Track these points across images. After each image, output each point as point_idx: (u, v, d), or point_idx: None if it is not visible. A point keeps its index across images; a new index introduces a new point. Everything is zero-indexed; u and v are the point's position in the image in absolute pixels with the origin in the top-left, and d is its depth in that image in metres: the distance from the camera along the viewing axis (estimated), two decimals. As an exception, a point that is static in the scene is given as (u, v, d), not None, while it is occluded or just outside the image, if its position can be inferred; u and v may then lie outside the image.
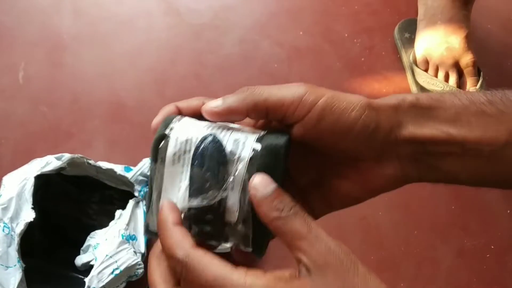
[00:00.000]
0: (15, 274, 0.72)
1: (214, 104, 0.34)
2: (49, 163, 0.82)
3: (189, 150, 0.34)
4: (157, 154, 0.35)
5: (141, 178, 0.91)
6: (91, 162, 0.85)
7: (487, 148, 0.35)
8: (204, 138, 0.33)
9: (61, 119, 1.04)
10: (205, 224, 0.34)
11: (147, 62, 1.09)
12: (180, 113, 0.37)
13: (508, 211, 1.02)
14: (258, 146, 0.33)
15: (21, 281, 0.72)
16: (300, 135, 0.34)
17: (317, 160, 0.38)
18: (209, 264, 0.29)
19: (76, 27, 1.11)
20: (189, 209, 0.33)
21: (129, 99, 1.05)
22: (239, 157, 0.33)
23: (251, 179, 0.32)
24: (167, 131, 0.35)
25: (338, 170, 0.38)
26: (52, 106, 1.04)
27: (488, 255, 0.99)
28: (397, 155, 0.36)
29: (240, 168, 0.33)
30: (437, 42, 1.03)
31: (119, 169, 0.88)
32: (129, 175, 0.88)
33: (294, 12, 1.16)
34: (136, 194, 0.88)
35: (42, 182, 0.83)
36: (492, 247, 0.99)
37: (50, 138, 1.02)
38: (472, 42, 1.03)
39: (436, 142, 0.35)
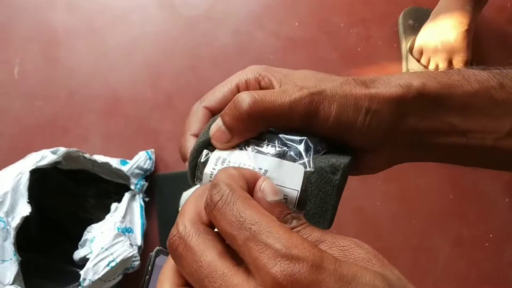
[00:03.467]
0: (11, 268, 0.72)
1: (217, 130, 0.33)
2: (45, 157, 0.82)
3: None
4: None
5: (137, 171, 0.91)
6: (87, 155, 0.85)
7: (490, 137, 0.34)
8: None
9: (57, 114, 1.04)
10: None
11: (142, 55, 1.08)
12: (212, 113, 0.36)
13: (507, 200, 1.01)
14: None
15: (17, 274, 0.72)
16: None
17: None
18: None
19: (70, 22, 1.11)
20: None
21: (125, 92, 1.05)
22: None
23: (259, 181, 0.29)
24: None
25: None
26: (48, 101, 1.04)
27: (486, 244, 0.99)
28: (394, 144, 0.34)
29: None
30: (434, 35, 1.02)
31: (114, 162, 0.88)
32: (125, 168, 0.88)
33: (289, 3, 1.16)
34: (132, 187, 0.88)
35: (38, 176, 0.83)
36: (491, 236, 0.99)
37: (46, 133, 1.02)
38: (470, 39, 1.01)
39: (438, 133, 0.34)
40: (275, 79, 0.35)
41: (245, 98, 0.31)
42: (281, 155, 0.31)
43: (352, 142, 0.34)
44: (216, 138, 0.33)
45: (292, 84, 0.33)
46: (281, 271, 0.23)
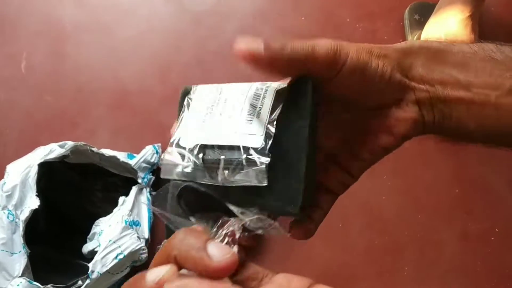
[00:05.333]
0: (20, 260, 0.73)
1: (255, 45, 0.32)
2: (53, 151, 0.82)
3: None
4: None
5: (144, 165, 0.91)
6: (94, 149, 0.86)
7: (493, 94, 0.35)
8: None
9: (65, 108, 1.04)
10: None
11: (150, 49, 1.09)
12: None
13: (513, 194, 1.01)
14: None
15: (26, 266, 0.73)
16: (333, 89, 0.35)
17: (342, 120, 0.39)
18: None
19: (78, 16, 1.11)
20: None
21: (132, 86, 1.06)
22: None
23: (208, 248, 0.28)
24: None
25: (363, 125, 0.38)
26: (56, 95, 1.05)
27: (492, 238, 0.99)
28: (415, 99, 0.36)
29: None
30: (438, 28, 1.02)
31: (122, 156, 0.89)
32: (132, 162, 0.89)
33: (295, -2, 1.16)
34: (139, 181, 0.89)
35: (46, 170, 0.84)
36: (497, 230, 0.99)
37: (54, 127, 1.03)
38: (474, 26, 1.01)
39: (445, 85, 0.36)
40: None
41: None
42: None
43: (373, 97, 0.36)
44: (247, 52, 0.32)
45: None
46: None
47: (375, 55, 0.35)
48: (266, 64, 0.33)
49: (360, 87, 0.35)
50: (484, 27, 1.05)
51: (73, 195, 0.93)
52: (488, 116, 0.36)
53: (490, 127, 0.37)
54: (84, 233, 0.87)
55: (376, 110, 0.37)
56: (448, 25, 1.00)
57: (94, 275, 0.73)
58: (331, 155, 0.39)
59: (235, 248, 0.31)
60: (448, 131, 0.38)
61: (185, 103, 0.37)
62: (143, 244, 0.80)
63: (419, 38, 1.07)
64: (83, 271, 0.79)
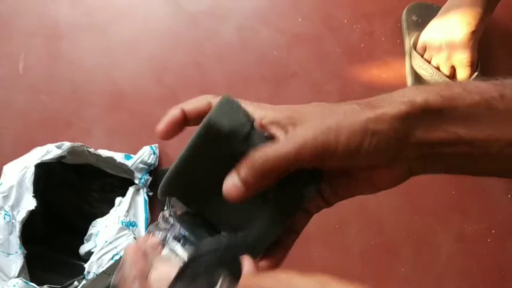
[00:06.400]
0: (16, 261, 0.73)
1: (234, 182, 0.35)
2: (50, 151, 0.83)
3: None
4: None
5: (141, 166, 0.91)
6: (91, 150, 0.86)
7: (495, 145, 0.35)
8: None
9: (61, 108, 1.04)
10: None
11: (146, 50, 1.09)
12: (186, 117, 0.37)
13: (509, 196, 1.02)
14: None
15: (22, 267, 0.73)
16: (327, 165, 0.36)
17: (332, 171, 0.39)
18: None
19: (74, 16, 1.11)
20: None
21: (128, 87, 1.05)
22: None
23: None
24: None
25: (350, 174, 0.38)
26: (52, 95, 1.05)
27: (488, 240, 0.99)
28: (406, 157, 0.36)
29: None
30: (440, 33, 1.01)
31: (119, 157, 0.89)
32: (129, 163, 0.89)
33: (293, -1, 1.16)
34: (136, 181, 0.89)
35: (43, 171, 0.84)
36: (493, 231, 0.99)
37: (50, 127, 1.02)
38: (476, 41, 0.99)
39: (444, 144, 0.35)
40: (280, 128, 0.36)
41: (256, 156, 0.34)
42: None
43: (362, 164, 0.35)
44: (231, 193, 0.35)
45: (297, 129, 0.35)
46: None
47: (369, 134, 0.34)
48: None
49: (354, 163, 0.35)
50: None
51: (70, 195, 0.93)
52: (485, 165, 0.36)
53: (488, 171, 0.37)
54: (80, 233, 0.86)
55: (364, 170, 0.37)
56: (452, 35, 0.99)
57: (90, 276, 0.73)
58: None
59: None
60: (439, 172, 0.38)
61: None
62: (140, 245, 0.80)
63: (417, 39, 1.07)
64: (80, 271, 0.79)
